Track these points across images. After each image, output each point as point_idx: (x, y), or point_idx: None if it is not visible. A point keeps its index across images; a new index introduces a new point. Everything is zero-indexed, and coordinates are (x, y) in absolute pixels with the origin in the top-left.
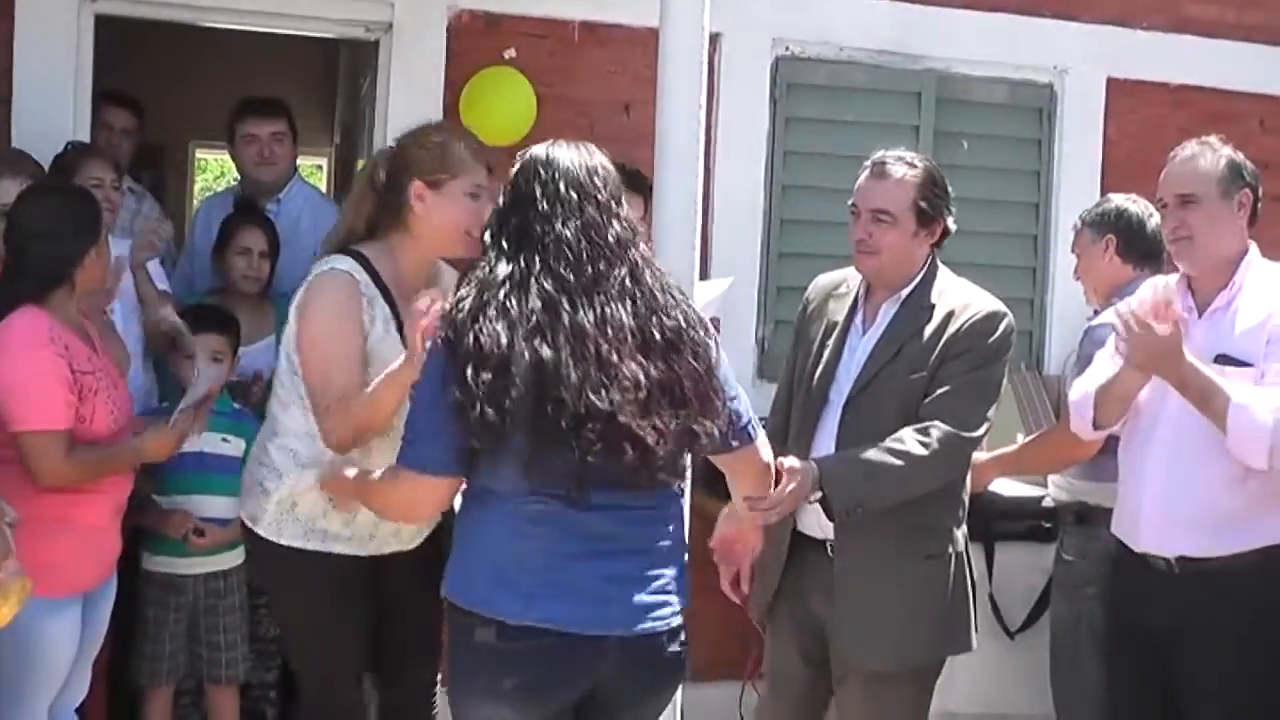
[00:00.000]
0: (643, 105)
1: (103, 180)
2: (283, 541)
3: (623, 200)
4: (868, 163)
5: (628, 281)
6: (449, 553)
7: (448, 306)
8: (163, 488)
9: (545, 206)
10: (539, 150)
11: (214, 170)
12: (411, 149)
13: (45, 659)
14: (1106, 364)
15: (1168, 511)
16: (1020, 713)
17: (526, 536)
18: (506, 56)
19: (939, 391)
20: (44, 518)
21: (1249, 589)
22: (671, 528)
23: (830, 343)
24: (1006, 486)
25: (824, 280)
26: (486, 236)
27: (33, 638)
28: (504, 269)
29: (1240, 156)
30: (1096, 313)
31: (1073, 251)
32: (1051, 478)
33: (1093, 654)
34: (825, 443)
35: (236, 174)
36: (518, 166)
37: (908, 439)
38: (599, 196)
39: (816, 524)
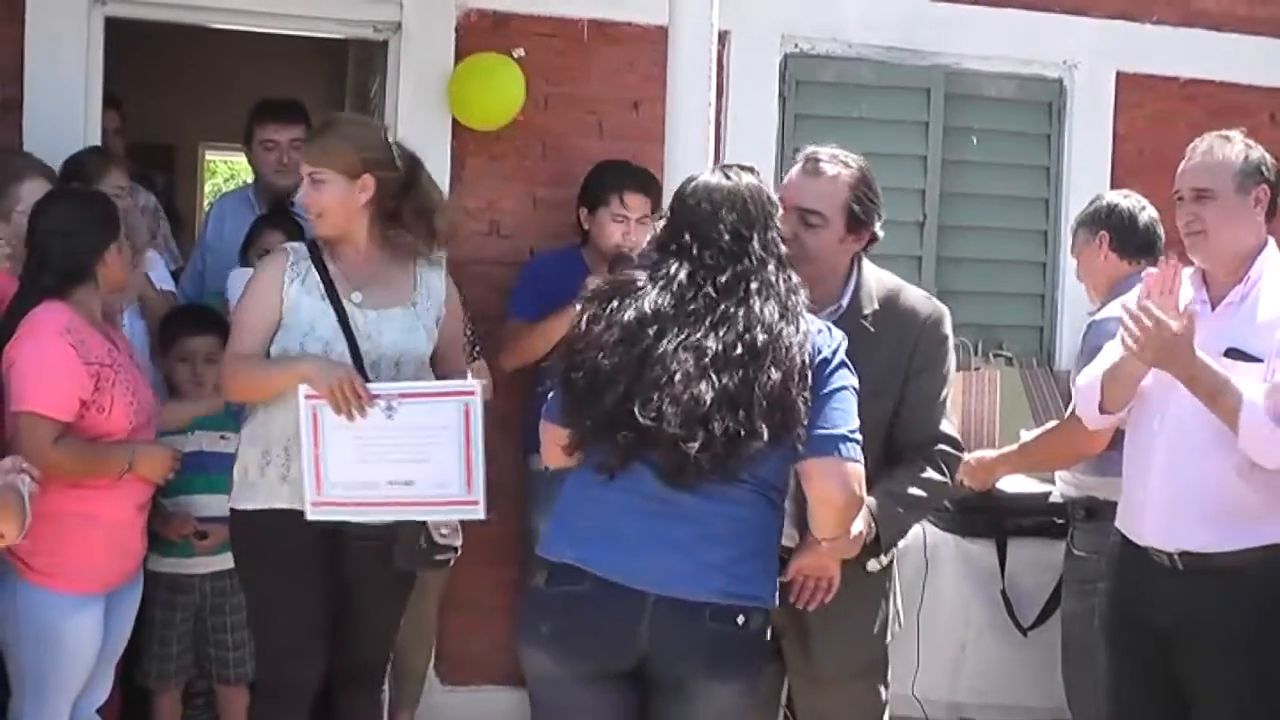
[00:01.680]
0: (652, 103)
1: (121, 189)
2: (239, 507)
3: (767, 222)
4: (799, 157)
5: (731, 310)
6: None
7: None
8: (164, 488)
9: (682, 236)
10: (691, 180)
11: (223, 173)
12: None
13: (67, 656)
14: (1113, 353)
15: (1171, 506)
16: (1026, 705)
17: (592, 485)
18: (515, 56)
19: (923, 415)
20: (67, 514)
21: (1252, 586)
22: (744, 512)
23: None
24: (1016, 483)
25: None
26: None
27: (55, 634)
28: (637, 278)
29: (1260, 152)
30: (1098, 309)
31: (1072, 254)
32: (1059, 474)
33: (1104, 649)
34: None
35: (249, 176)
36: (675, 192)
37: (929, 470)
38: (723, 229)
39: None
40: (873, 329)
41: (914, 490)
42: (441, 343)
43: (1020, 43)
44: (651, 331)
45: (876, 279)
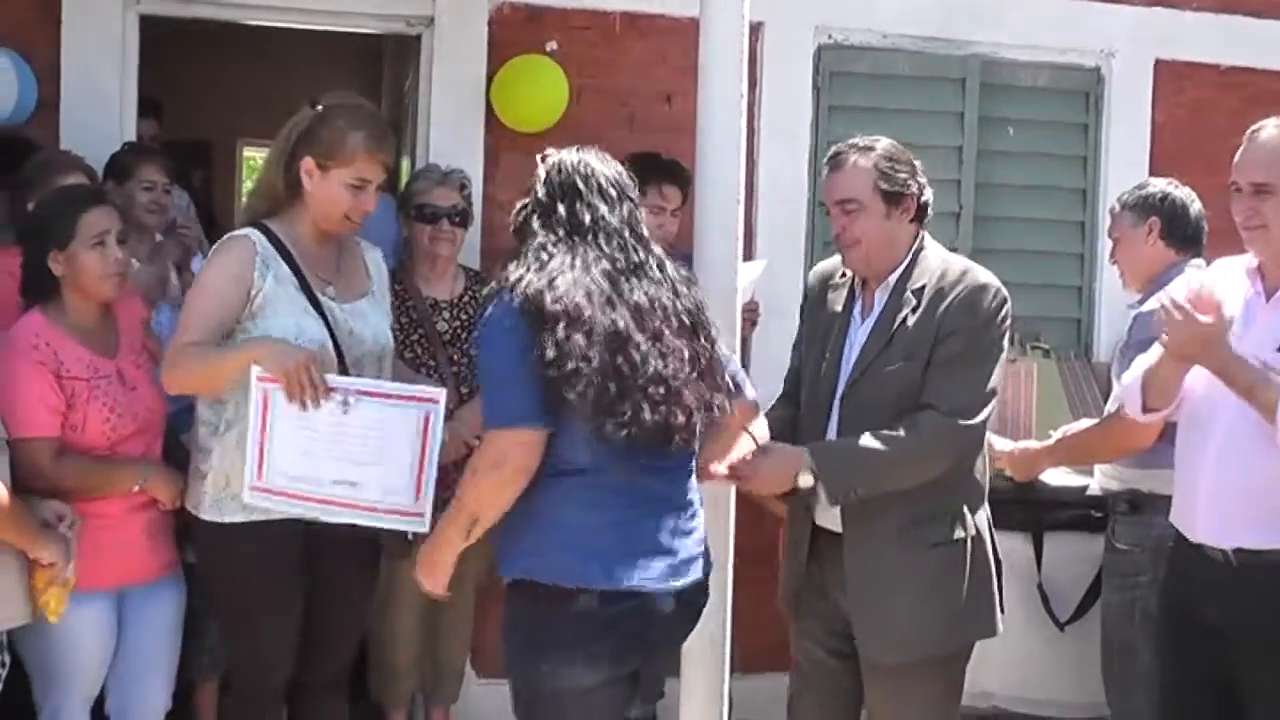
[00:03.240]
0: (684, 96)
1: (155, 184)
2: (225, 520)
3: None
4: (826, 159)
5: (657, 270)
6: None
7: (495, 284)
8: None
9: (593, 197)
10: (570, 153)
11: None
12: (316, 126)
13: (68, 653)
14: (1154, 353)
15: (1223, 502)
16: (1062, 700)
17: (599, 508)
18: (548, 49)
19: (932, 377)
20: None
21: None
22: (692, 480)
23: (832, 335)
24: (1053, 476)
25: (823, 267)
26: (535, 223)
27: (55, 632)
28: (561, 250)
29: None
30: (1141, 300)
31: (1110, 235)
32: (1100, 466)
33: (1147, 643)
34: (833, 436)
35: None
36: (551, 165)
37: (898, 428)
38: (631, 195)
39: (833, 517)
40: (915, 300)
41: (866, 443)
42: None
43: (1057, 31)
44: (623, 282)
45: (937, 256)
